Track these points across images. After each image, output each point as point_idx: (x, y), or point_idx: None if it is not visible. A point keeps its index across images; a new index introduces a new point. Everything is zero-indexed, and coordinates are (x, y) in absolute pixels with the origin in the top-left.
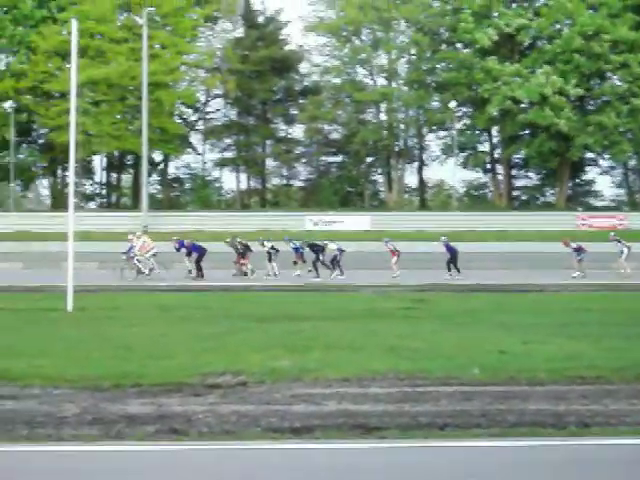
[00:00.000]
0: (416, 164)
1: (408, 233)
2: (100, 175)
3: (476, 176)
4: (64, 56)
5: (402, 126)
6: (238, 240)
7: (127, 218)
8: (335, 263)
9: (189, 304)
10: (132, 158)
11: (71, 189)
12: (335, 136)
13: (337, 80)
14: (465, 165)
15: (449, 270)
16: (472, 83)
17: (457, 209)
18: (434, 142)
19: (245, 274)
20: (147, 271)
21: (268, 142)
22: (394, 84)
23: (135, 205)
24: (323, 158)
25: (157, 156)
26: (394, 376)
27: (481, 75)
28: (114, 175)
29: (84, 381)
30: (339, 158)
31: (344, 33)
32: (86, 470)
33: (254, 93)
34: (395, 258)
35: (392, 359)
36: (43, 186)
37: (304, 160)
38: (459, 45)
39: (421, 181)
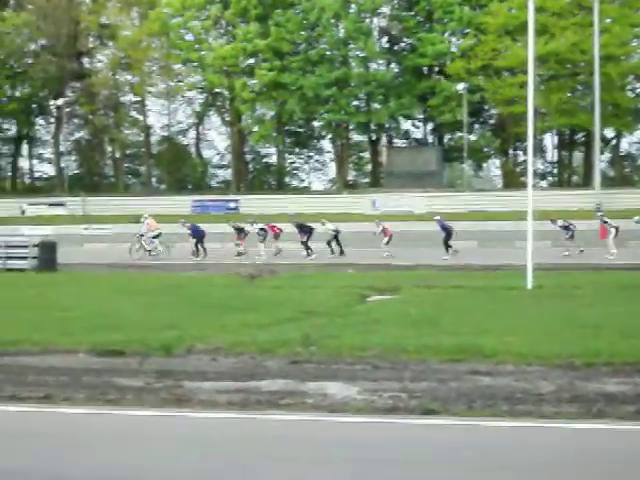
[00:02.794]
0: None
1: None
2: (551, 153)
3: None
4: (512, 33)
5: None
6: (232, 223)
7: (578, 196)
8: (329, 243)
9: None
10: (583, 135)
11: (530, 167)
12: None
13: None
14: None
15: (447, 250)
16: None
17: None
18: None
19: (239, 254)
20: (152, 249)
21: None
22: None
23: (586, 183)
24: None
25: (609, 132)
26: None
27: None
28: (565, 153)
29: (555, 358)
30: None
31: None
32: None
33: None
34: (387, 238)
35: None
36: (495, 166)
37: None
38: None
39: None
